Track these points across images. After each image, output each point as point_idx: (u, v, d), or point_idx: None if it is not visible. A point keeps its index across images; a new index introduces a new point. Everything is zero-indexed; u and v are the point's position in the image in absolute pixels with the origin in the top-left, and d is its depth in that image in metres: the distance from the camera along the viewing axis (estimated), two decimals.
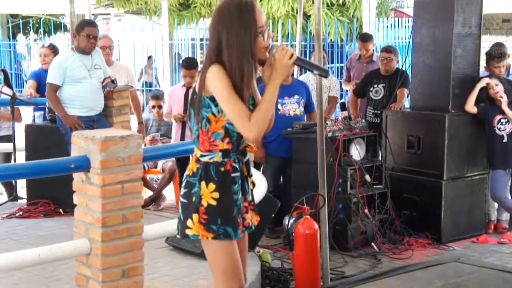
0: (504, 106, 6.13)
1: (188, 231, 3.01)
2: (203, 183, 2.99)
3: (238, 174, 3.04)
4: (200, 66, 7.35)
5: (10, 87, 7.20)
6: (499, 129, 6.17)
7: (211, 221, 2.97)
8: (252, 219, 3.13)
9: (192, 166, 3.05)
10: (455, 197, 6.15)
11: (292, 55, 2.92)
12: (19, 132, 6.69)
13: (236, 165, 3.04)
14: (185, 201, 3.04)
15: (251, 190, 3.18)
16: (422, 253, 5.81)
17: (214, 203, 2.98)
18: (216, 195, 2.98)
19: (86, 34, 5.97)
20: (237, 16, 2.90)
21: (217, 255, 3.01)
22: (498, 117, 6.17)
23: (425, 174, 6.20)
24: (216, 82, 2.89)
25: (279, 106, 6.34)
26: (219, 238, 2.98)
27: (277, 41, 13.52)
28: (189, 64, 6.85)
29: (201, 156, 3.02)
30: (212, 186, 2.99)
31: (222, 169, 3.00)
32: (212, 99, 2.94)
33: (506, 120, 6.16)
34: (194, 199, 3.00)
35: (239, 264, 3.04)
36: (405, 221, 6.16)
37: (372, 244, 5.78)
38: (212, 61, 2.92)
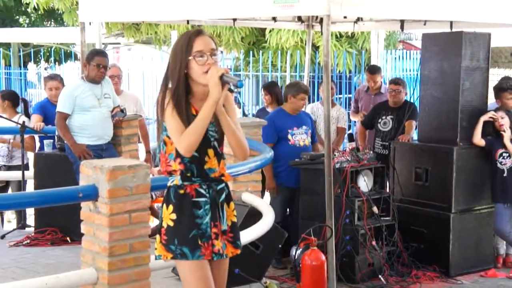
0: (506, 140, 6.12)
1: (155, 252, 3.23)
2: (164, 205, 3.21)
3: (204, 199, 3.18)
4: None
5: (29, 117, 7.24)
6: (500, 163, 6.17)
7: (170, 242, 3.16)
8: (225, 249, 3.24)
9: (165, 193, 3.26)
10: (463, 230, 6.12)
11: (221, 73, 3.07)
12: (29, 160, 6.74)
13: (203, 191, 3.19)
14: (157, 225, 3.27)
15: (232, 222, 3.28)
16: (430, 286, 5.77)
17: (171, 224, 3.17)
18: (174, 216, 3.17)
19: (96, 64, 6.03)
20: (177, 42, 3.20)
21: (185, 275, 3.18)
22: (500, 151, 6.17)
23: (433, 206, 6.18)
24: (167, 106, 3.13)
25: (289, 137, 6.37)
26: (177, 258, 3.16)
27: (285, 71, 13.60)
28: None
29: (168, 181, 3.23)
30: (170, 207, 3.18)
31: (181, 191, 3.18)
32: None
33: (507, 154, 6.16)
34: (159, 221, 3.22)
35: (209, 282, 3.15)
36: (412, 254, 6.12)
37: (380, 276, 5.74)
38: (165, 88, 3.17)
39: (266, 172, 6.28)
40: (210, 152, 3.22)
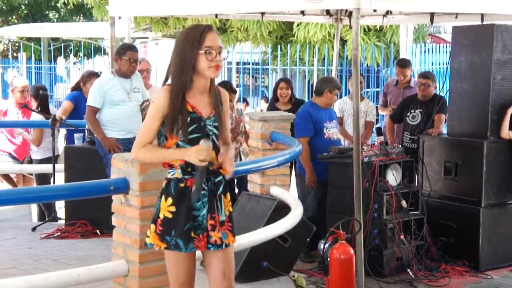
0: None
1: (146, 239, 3.33)
2: (163, 197, 3.29)
3: (202, 192, 3.24)
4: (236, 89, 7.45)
5: (47, 111, 7.24)
6: None
7: (166, 233, 3.25)
8: (225, 238, 3.31)
9: (163, 184, 3.33)
10: (493, 224, 6.07)
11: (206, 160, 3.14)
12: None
13: (202, 184, 3.23)
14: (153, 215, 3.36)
15: (229, 212, 3.37)
16: (459, 281, 5.73)
17: (170, 216, 3.25)
18: (173, 208, 3.25)
19: (128, 58, 6.07)
20: (185, 34, 3.26)
21: (170, 265, 3.33)
22: None
23: (462, 200, 6.13)
24: (154, 100, 3.27)
25: (325, 130, 6.38)
26: (171, 248, 3.26)
27: (312, 65, 13.57)
28: (225, 88, 6.91)
29: (167, 173, 3.31)
30: (169, 200, 3.26)
31: (182, 185, 3.26)
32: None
33: None
34: (155, 211, 3.31)
35: (188, 278, 3.33)
36: (441, 248, 6.09)
37: (408, 270, 5.72)
38: (163, 85, 3.27)
39: (306, 166, 6.29)
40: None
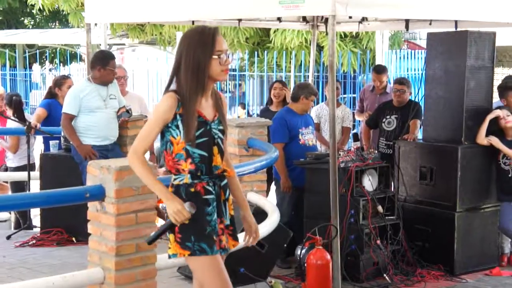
0: (498, 143, 6.09)
1: (168, 251, 3.22)
2: None
3: (212, 196, 3.22)
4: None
5: (23, 118, 7.20)
6: (504, 163, 6.17)
7: (186, 239, 3.16)
8: (228, 242, 3.29)
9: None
10: (468, 229, 6.13)
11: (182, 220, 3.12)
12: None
13: (210, 188, 3.23)
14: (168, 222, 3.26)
15: (231, 216, 3.35)
16: (435, 285, 5.77)
17: (186, 221, 3.15)
18: None
19: (113, 68, 6.08)
20: (198, 38, 3.18)
21: (205, 270, 3.19)
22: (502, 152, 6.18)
23: (437, 205, 6.19)
24: (159, 106, 3.19)
25: (300, 136, 6.40)
26: (195, 254, 3.16)
27: (289, 72, 13.62)
28: None
29: (174, 179, 3.23)
30: None
31: (192, 189, 3.20)
32: (171, 122, 3.18)
33: None
34: (168, 220, 3.19)
35: (226, 276, 3.21)
36: (417, 253, 6.13)
37: (385, 275, 5.75)
38: (167, 91, 3.21)
39: (280, 172, 6.31)
40: (215, 149, 3.26)
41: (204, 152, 3.20)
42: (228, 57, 3.23)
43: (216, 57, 3.15)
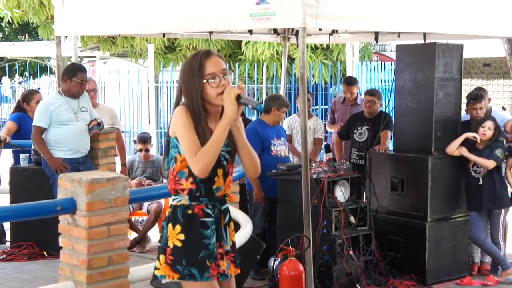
0: (468, 155, 6.18)
1: (156, 272, 3.13)
2: (170, 225, 3.13)
3: (211, 219, 3.15)
4: None
5: None
6: (475, 171, 6.24)
7: (177, 262, 3.09)
8: (229, 268, 3.21)
9: (167, 211, 3.19)
10: (439, 238, 6.19)
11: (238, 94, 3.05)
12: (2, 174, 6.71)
13: (209, 211, 3.15)
14: (159, 244, 3.18)
15: (233, 242, 3.27)
16: None
17: (179, 244, 3.10)
18: (182, 236, 3.10)
19: (80, 80, 6.04)
20: (188, 64, 3.15)
21: None
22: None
23: (409, 215, 6.24)
24: (176, 121, 3.10)
25: (272, 148, 6.42)
26: (185, 279, 3.08)
27: (261, 83, 13.67)
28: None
29: (173, 200, 3.16)
30: (178, 228, 3.11)
31: (189, 211, 3.13)
32: (178, 139, 3.11)
33: None
34: (162, 241, 3.14)
35: None
36: (389, 263, 6.17)
37: (357, 285, 5.77)
38: (177, 105, 3.15)
39: (253, 183, 6.31)
40: (219, 171, 3.18)
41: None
42: (225, 77, 3.12)
43: (205, 81, 3.09)
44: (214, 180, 3.16)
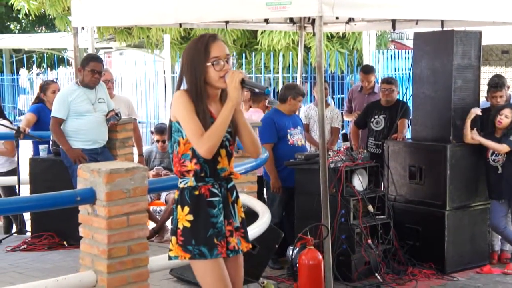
0: (483, 140, 6.13)
1: (169, 253, 3.26)
2: (179, 207, 3.24)
3: (217, 198, 3.24)
4: None
5: (4, 117, 7.29)
6: (493, 160, 6.20)
7: (187, 242, 3.20)
8: (240, 244, 3.31)
9: (175, 195, 3.29)
10: (458, 227, 6.16)
11: (241, 79, 3.15)
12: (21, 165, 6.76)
13: (216, 190, 3.25)
14: (171, 226, 3.30)
15: (242, 218, 3.36)
16: (426, 283, 5.80)
17: (188, 225, 3.20)
18: (190, 217, 3.20)
19: (91, 69, 6.05)
20: (192, 46, 3.24)
21: (204, 274, 3.22)
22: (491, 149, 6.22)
23: (427, 204, 6.22)
24: (177, 106, 3.20)
25: (289, 137, 6.42)
26: (195, 258, 3.19)
27: (277, 73, 13.65)
28: None
29: (179, 183, 3.27)
30: (186, 209, 3.22)
31: (196, 192, 3.22)
32: (179, 123, 3.20)
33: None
34: (173, 223, 3.26)
35: (226, 281, 3.22)
36: (408, 252, 6.16)
37: (376, 274, 5.77)
38: (178, 88, 3.24)
39: (270, 173, 6.32)
40: (223, 152, 3.27)
41: None
42: (228, 62, 3.22)
43: (210, 64, 3.17)
44: (217, 160, 3.26)
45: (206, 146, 3.12)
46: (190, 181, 3.22)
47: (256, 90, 3.25)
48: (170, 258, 3.27)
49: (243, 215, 3.39)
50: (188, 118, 3.16)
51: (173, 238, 3.23)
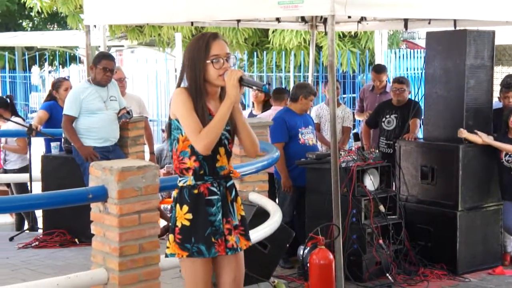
0: (492, 141, 6.08)
1: (166, 251, 3.30)
2: (177, 205, 3.27)
3: (216, 197, 3.27)
4: None
5: (17, 114, 7.35)
6: (507, 161, 6.16)
7: (186, 241, 3.23)
8: (239, 242, 3.33)
9: (174, 193, 3.32)
10: (470, 228, 6.13)
11: (240, 76, 3.19)
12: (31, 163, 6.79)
13: (215, 189, 3.28)
14: (170, 225, 3.34)
15: (242, 216, 3.38)
16: (438, 284, 5.78)
17: (187, 223, 3.24)
18: (190, 216, 3.24)
19: (103, 67, 6.06)
20: (194, 44, 3.29)
21: (189, 273, 3.27)
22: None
23: (439, 204, 6.19)
24: (176, 103, 3.24)
25: (300, 136, 6.41)
26: (193, 256, 3.23)
27: (289, 72, 13.63)
28: None
29: (179, 181, 3.29)
30: (185, 208, 3.25)
31: (195, 191, 3.25)
32: (178, 120, 3.24)
33: None
34: (171, 221, 3.29)
35: (207, 284, 3.28)
36: (419, 252, 6.14)
37: (387, 274, 5.76)
38: (178, 86, 3.33)
39: (281, 172, 6.32)
40: (221, 150, 3.31)
41: None
42: (228, 61, 3.26)
43: (209, 61, 3.22)
44: (216, 158, 3.29)
45: (203, 142, 3.17)
46: (189, 180, 3.25)
47: (254, 87, 3.30)
48: (166, 255, 3.31)
49: (242, 213, 3.41)
50: (186, 115, 3.20)
51: (171, 236, 3.27)
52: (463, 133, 6.06)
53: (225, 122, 3.22)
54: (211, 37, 3.25)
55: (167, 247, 3.29)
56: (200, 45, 3.24)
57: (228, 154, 3.35)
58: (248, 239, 3.41)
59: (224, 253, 3.28)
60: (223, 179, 3.32)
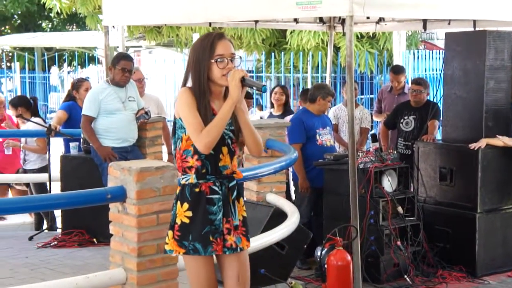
0: (505, 139, 6.03)
1: (165, 246, 3.36)
2: (178, 203, 3.32)
3: (217, 196, 3.30)
4: None
5: (38, 115, 7.43)
6: None
7: (184, 238, 3.28)
8: (240, 242, 3.35)
9: (176, 191, 3.37)
10: (489, 230, 6.08)
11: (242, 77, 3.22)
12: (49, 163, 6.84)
13: (216, 188, 3.30)
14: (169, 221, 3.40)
15: (243, 217, 3.41)
16: (456, 286, 5.74)
17: (187, 221, 3.28)
18: (189, 213, 3.28)
19: (122, 68, 6.09)
20: (199, 43, 3.32)
21: (191, 271, 3.32)
22: None
23: (458, 206, 6.15)
24: (180, 102, 3.27)
25: (317, 137, 6.40)
26: (189, 253, 3.28)
27: (306, 73, 13.62)
28: None
29: (181, 179, 3.34)
30: (186, 205, 3.29)
31: (197, 190, 3.29)
32: (182, 119, 3.28)
33: None
34: (171, 217, 3.34)
35: (210, 281, 3.32)
36: (438, 254, 6.10)
37: (405, 276, 5.72)
38: (184, 85, 3.33)
39: (298, 173, 6.31)
40: (224, 149, 3.33)
41: (211, 150, 3.25)
42: (233, 61, 3.28)
43: (213, 61, 3.24)
44: (219, 157, 3.31)
45: (204, 141, 3.19)
46: (191, 178, 3.29)
47: (254, 87, 3.33)
48: (165, 251, 3.36)
49: (244, 214, 3.43)
50: (189, 114, 3.23)
51: (170, 232, 3.31)
52: (483, 142, 5.99)
53: (227, 122, 3.24)
54: (216, 37, 3.28)
55: (166, 243, 3.34)
56: (205, 44, 3.27)
57: (232, 153, 3.36)
58: (248, 240, 3.43)
59: (222, 252, 3.30)
60: (226, 179, 3.34)
